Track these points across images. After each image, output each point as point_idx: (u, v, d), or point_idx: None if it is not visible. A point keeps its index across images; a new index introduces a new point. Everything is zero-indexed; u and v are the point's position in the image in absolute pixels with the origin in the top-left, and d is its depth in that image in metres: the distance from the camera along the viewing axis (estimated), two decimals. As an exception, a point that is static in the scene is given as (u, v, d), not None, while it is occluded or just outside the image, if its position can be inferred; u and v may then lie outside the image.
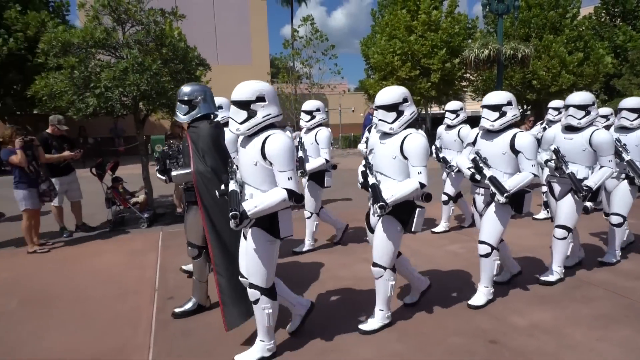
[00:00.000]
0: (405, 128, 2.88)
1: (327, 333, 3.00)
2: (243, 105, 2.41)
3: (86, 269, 4.56)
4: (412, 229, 2.84)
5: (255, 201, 2.34)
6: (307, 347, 2.84)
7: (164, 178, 3.39)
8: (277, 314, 2.67)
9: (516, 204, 3.20)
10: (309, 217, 4.83)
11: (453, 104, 5.53)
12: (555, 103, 5.94)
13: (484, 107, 3.35)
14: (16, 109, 15.47)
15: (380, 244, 2.94)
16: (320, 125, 4.71)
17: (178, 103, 3.18)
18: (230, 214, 2.21)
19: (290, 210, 2.54)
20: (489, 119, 3.27)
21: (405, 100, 2.88)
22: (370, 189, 2.84)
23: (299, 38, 20.68)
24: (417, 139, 2.77)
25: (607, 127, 5.82)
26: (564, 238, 3.74)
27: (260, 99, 2.43)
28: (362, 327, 3.04)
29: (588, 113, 3.61)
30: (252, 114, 2.41)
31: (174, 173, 3.14)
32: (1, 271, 4.57)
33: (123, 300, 3.70)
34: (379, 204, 2.63)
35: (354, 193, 8.45)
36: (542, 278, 3.83)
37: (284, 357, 2.74)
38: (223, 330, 2.81)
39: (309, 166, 4.57)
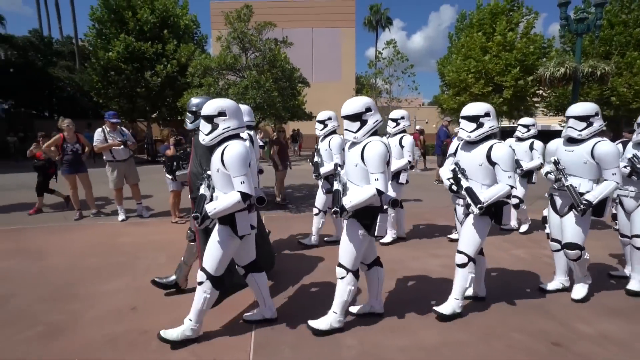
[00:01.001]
0: (371, 136, 2.56)
1: (397, 314, 2.93)
2: (208, 119, 2.40)
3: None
4: (375, 234, 2.51)
5: (215, 203, 2.32)
6: (378, 324, 2.79)
7: (170, 177, 3.38)
8: (214, 300, 2.53)
9: (495, 215, 2.76)
10: (316, 214, 4.61)
11: (395, 113, 4.77)
12: (525, 120, 5.11)
13: (462, 117, 2.88)
14: (168, 116, 17.53)
15: (344, 246, 2.63)
16: (333, 132, 4.50)
17: (187, 112, 3.12)
18: (192, 215, 2.30)
19: (247, 213, 2.42)
20: (466, 130, 2.83)
21: (368, 109, 2.56)
22: (332, 194, 2.59)
23: (382, 59, 20.41)
24: (374, 146, 2.44)
25: (528, 138, 5.05)
26: (578, 258, 3.01)
27: (222, 114, 2.40)
28: (311, 323, 2.68)
29: (590, 124, 2.97)
30: (215, 127, 2.40)
31: (178, 173, 3.19)
32: (154, 234, 5.16)
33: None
34: (333, 209, 2.42)
35: (423, 194, 8.14)
36: (574, 297, 3.20)
37: (355, 330, 2.70)
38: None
39: (393, 166, 4.41)
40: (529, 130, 5.01)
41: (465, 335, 2.66)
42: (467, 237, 2.83)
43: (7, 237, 4.95)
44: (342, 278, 2.62)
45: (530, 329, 2.75)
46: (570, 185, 2.91)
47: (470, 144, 2.88)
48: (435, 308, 2.88)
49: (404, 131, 4.70)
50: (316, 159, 4.52)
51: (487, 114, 2.79)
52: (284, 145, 7.03)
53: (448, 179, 2.93)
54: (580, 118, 2.99)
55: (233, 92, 5.99)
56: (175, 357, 2.39)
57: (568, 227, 3.02)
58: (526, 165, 4.98)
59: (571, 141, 3.06)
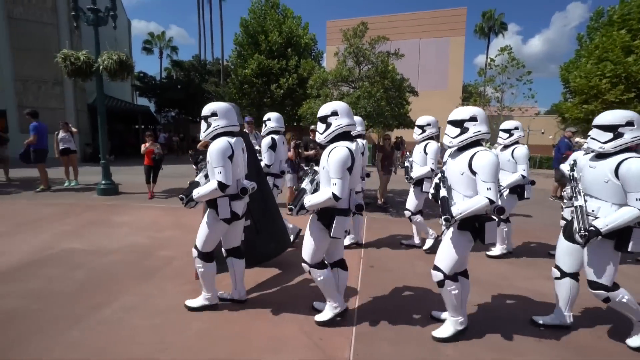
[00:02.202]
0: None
1: (502, 333, 2.60)
2: (204, 119, 2.68)
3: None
4: (332, 235, 2.39)
5: (199, 189, 2.56)
6: (481, 340, 2.53)
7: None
8: (211, 272, 2.75)
9: (477, 232, 2.26)
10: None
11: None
12: (506, 124, 4.17)
13: (448, 122, 2.46)
14: (286, 123, 19.05)
15: (304, 242, 2.58)
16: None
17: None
18: (179, 196, 2.65)
19: (228, 199, 2.56)
20: (450, 135, 2.42)
21: (472, 118, 2.34)
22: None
23: (495, 66, 18.37)
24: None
25: (511, 144, 4.01)
26: (607, 300, 2.35)
27: (214, 114, 2.63)
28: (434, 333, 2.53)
29: (618, 136, 2.22)
30: (209, 126, 2.65)
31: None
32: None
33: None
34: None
35: (534, 211, 7.04)
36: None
37: (457, 343, 2.49)
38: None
39: (507, 181, 4.07)
40: (511, 135, 4.07)
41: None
42: (443, 252, 2.44)
43: (170, 214, 6.08)
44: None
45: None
46: (580, 206, 2.32)
47: (457, 151, 2.44)
48: (433, 333, 2.52)
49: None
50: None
51: (472, 118, 2.35)
52: (389, 152, 6.95)
53: (432, 187, 2.66)
54: (604, 128, 2.29)
55: (346, 101, 6.19)
56: (288, 330, 2.58)
57: (590, 262, 2.36)
58: (507, 179, 4.04)
59: (599, 156, 2.38)
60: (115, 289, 3.15)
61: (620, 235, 2.20)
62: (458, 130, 2.39)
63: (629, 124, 2.24)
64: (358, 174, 2.58)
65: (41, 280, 3.31)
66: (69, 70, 6.93)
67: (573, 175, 2.56)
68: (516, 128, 4.14)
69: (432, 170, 4.18)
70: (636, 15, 12.62)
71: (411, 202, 4.42)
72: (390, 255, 4.33)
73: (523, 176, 4.00)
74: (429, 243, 4.47)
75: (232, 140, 2.59)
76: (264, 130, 4.59)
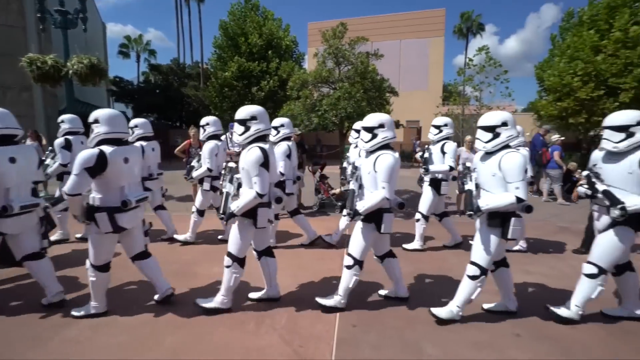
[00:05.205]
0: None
1: (484, 330, 2.62)
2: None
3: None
4: (257, 225, 2.66)
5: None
6: (464, 338, 2.53)
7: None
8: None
9: (375, 222, 2.66)
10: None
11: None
12: (437, 120, 4.36)
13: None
14: (269, 125, 18.87)
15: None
16: (447, 138, 4.31)
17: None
18: (219, 216, 2.90)
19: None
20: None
21: (504, 124, 2.51)
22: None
23: (473, 66, 18.83)
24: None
25: (440, 140, 4.26)
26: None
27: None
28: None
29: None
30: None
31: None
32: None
33: (323, 255, 4.04)
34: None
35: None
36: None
37: (440, 340, 2.50)
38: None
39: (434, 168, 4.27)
40: (440, 131, 4.23)
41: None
42: (353, 238, 2.81)
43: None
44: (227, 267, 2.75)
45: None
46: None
47: (612, 155, 2.55)
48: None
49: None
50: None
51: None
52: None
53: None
54: (615, 128, 2.50)
55: (326, 102, 6.16)
56: (266, 339, 2.51)
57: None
58: (433, 167, 4.25)
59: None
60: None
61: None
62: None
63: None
64: (275, 172, 2.88)
65: None
66: (35, 75, 6.65)
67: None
68: (445, 125, 4.27)
69: (451, 168, 4.19)
70: (603, 16, 13.18)
71: (425, 203, 4.42)
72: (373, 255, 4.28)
73: (451, 167, 4.17)
74: (415, 245, 4.48)
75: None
76: (275, 136, 4.29)
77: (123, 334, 2.55)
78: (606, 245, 2.55)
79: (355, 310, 2.90)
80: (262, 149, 2.59)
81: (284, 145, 4.22)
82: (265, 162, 2.57)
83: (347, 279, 2.79)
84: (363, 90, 6.48)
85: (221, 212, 2.68)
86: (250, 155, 2.57)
